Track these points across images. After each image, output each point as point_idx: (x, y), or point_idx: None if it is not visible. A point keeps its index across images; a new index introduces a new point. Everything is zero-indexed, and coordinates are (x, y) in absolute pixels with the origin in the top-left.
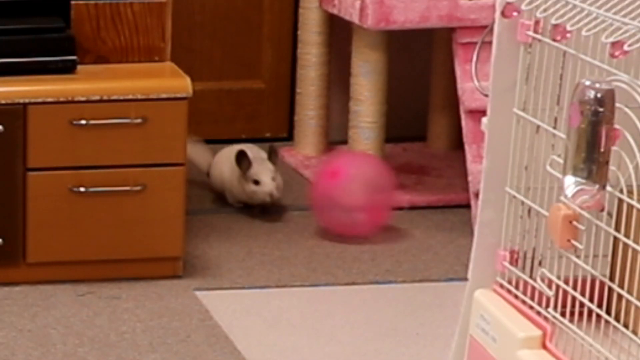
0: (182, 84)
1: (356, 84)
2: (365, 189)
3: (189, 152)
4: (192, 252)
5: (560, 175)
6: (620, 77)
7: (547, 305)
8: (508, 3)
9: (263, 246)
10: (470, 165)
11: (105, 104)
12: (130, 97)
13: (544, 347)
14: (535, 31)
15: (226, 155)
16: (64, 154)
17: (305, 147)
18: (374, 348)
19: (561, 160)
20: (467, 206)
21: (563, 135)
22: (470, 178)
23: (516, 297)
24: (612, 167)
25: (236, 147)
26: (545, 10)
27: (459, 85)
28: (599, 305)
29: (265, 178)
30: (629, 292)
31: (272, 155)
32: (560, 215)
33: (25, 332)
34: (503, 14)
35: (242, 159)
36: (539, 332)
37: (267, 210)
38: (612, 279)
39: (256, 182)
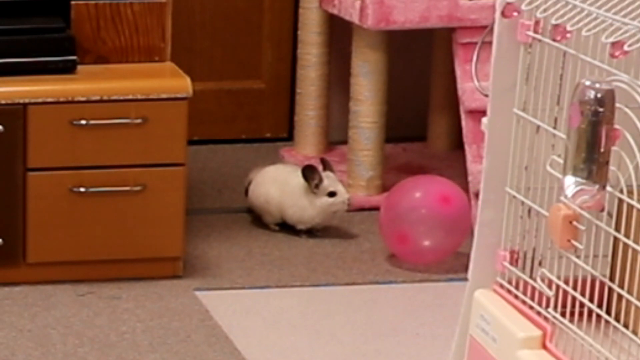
0: (182, 84)
1: (356, 84)
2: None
3: None
4: (192, 252)
5: (560, 175)
6: (620, 77)
7: (547, 306)
8: (508, 3)
9: (263, 246)
10: (470, 165)
11: (105, 104)
12: (130, 97)
13: (544, 347)
14: (535, 31)
15: (271, 175)
16: (64, 154)
17: (305, 147)
18: (374, 348)
19: (561, 160)
20: None
21: (563, 136)
22: (470, 178)
23: (516, 297)
24: (612, 167)
25: (282, 167)
26: (545, 10)
27: (459, 85)
28: (599, 305)
29: (340, 187)
30: (629, 292)
31: (328, 166)
32: (561, 216)
33: (25, 332)
34: (503, 14)
35: (312, 174)
36: (539, 332)
37: (313, 233)
38: (612, 279)
39: (332, 194)
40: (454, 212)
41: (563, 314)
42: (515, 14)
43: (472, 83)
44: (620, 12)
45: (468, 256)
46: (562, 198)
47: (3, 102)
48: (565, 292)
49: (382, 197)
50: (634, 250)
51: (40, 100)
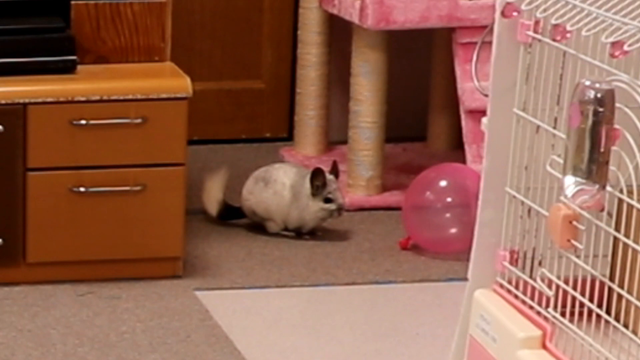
0: (182, 84)
1: (356, 84)
2: None
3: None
4: (192, 252)
5: (560, 175)
6: (620, 77)
7: (547, 305)
8: (508, 3)
9: (263, 246)
10: (470, 165)
11: (105, 104)
12: (130, 97)
13: (544, 347)
14: (535, 31)
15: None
16: (64, 154)
17: (305, 147)
18: (374, 348)
19: (561, 160)
20: None
21: (563, 135)
22: None
23: (516, 297)
24: (612, 167)
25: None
26: (545, 10)
27: (459, 85)
28: (599, 305)
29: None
30: (629, 292)
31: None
32: (560, 215)
33: (25, 332)
34: (503, 14)
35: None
36: (539, 332)
37: (315, 234)
38: (612, 279)
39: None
40: None
41: (563, 314)
42: (515, 14)
43: (472, 83)
44: (620, 12)
45: (468, 256)
46: (562, 198)
47: (3, 102)
48: (565, 292)
49: (382, 196)
50: (634, 250)
51: (40, 100)
